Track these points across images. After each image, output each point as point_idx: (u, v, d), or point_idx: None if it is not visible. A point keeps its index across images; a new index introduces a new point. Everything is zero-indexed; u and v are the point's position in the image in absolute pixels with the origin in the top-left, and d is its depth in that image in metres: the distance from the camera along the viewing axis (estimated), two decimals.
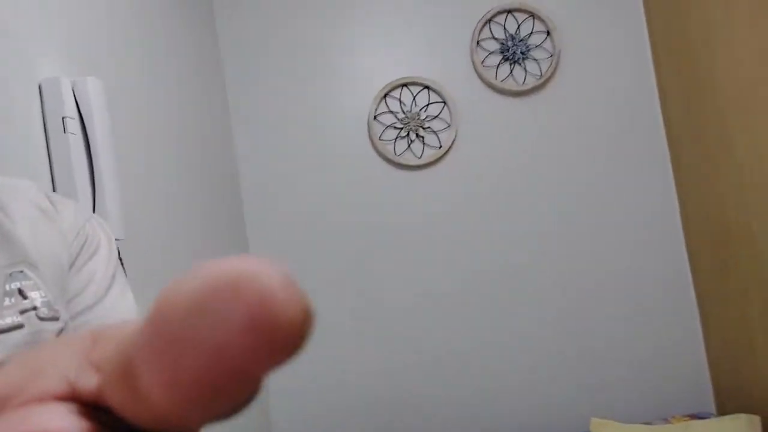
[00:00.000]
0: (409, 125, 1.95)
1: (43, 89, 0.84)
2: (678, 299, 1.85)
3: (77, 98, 0.86)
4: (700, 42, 1.64)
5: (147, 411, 0.12)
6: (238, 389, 0.12)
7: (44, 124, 0.84)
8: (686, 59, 1.72)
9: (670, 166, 1.88)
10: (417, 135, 1.95)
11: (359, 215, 1.96)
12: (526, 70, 1.92)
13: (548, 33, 1.90)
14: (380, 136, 1.95)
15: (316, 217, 1.96)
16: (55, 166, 0.83)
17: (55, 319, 0.43)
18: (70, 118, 0.84)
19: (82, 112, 0.86)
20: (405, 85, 1.96)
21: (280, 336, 0.11)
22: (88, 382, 0.13)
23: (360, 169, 1.96)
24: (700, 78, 1.67)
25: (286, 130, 1.99)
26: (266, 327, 0.11)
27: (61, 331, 0.43)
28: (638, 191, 1.88)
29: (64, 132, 0.83)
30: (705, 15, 1.61)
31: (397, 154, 1.95)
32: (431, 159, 1.93)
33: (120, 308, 0.49)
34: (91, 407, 0.13)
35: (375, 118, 1.96)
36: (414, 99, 1.96)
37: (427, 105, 1.95)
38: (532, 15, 1.92)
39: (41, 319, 0.42)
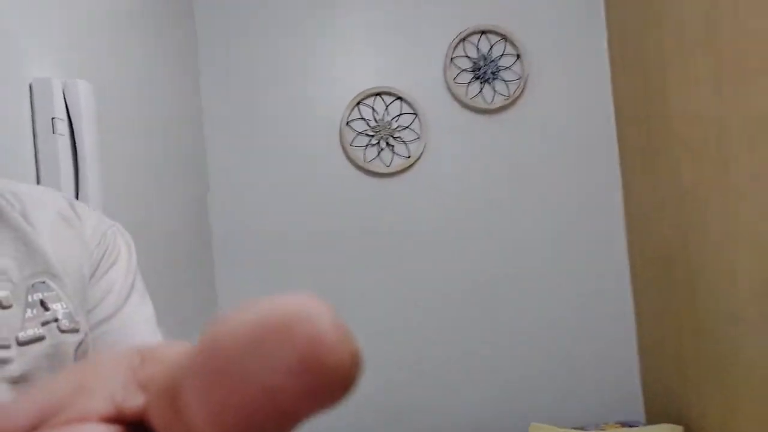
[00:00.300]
0: (380, 133, 2.01)
1: (34, 89, 0.85)
2: (617, 314, 1.98)
3: (67, 100, 0.87)
4: (655, 76, 1.77)
5: None
6: (281, 428, 0.12)
7: (33, 124, 0.85)
8: (642, 94, 1.85)
9: (621, 190, 2.01)
10: (387, 144, 2.01)
11: (325, 218, 2.01)
12: (494, 90, 2.01)
13: (518, 57, 2.00)
14: (351, 142, 2.00)
15: (283, 216, 2.00)
16: (41, 166, 0.84)
17: (76, 331, 0.43)
18: (60, 119, 0.86)
19: (71, 114, 0.87)
20: (379, 94, 2.02)
21: (329, 380, 0.12)
22: (134, 401, 0.14)
23: (329, 173, 2.01)
24: (653, 109, 1.80)
25: (258, 129, 2.01)
26: (316, 371, 0.11)
27: (81, 343, 0.44)
28: (590, 212, 2.00)
29: (53, 133, 0.85)
30: (660, 50, 1.73)
31: (367, 160, 2.00)
32: (399, 168, 2.00)
33: (138, 318, 0.49)
34: (133, 430, 0.14)
35: (347, 123, 2.00)
36: (387, 108, 2.02)
37: (399, 115, 2.02)
38: (505, 38, 2.00)
39: (62, 331, 0.42)
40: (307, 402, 0.12)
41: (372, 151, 2.01)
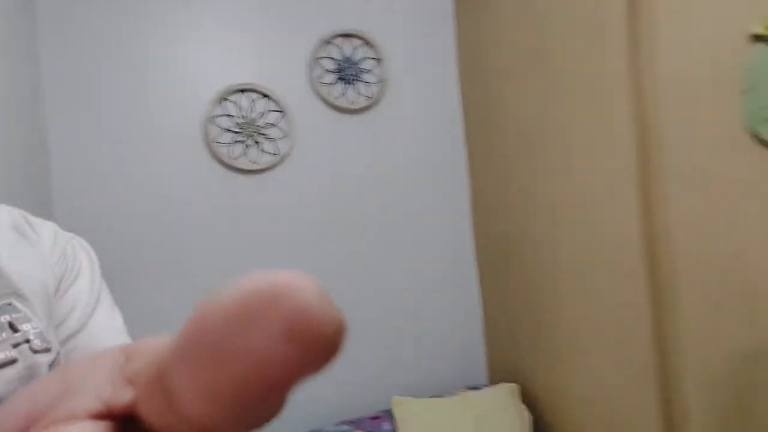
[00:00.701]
0: (246, 130, 2.03)
1: None
2: (465, 296, 2.26)
3: None
4: (494, 89, 2.03)
5: (182, 422, 0.12)
6: (271, 398, 0.12)
7: None
8: (484, 103, 2.11)
9: (468, 183, 2.27)
10: (254, 141, 2.04)
11: (188, 216, 1.98)
12: (357, 91, 2.14)
13: (378, 61, 2.15)
14: (216, 139, 2.00)
15: (139, 216, 1.93)
16: None
17: (48, 350, 0.42)
18: None
19: None
20: (244, 90, 2.03)
21: (317, 346, 0.12)
22: (122, 396, 0.14)
23: (192, 168, 1.98)
24: (493, 117, 2.06)
25: (112, 125, 1.91)
26: (305, 337, 0.12)
27: (53, 362, 0.42)
28: (441, 201, 2.24)
29: None
30: (498, 66, 1.99)
31: (233, 157, 2.01)
32: (266, 165, 2.04)
33: (107, 331, 0.48)
34: (123, 426, 0.14)
35: (212, 119, 1.99)
36: (253, 105, 2.04)
37: (266, 113, 2.05)
38: (366, 43, 2.14)
39: (35, 351, 0.41)
40: (296, 370, 0.12)
41: (238, 148, 2.03)
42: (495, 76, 2.02)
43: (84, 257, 0.51)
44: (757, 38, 1.15)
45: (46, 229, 0.49)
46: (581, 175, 1.63)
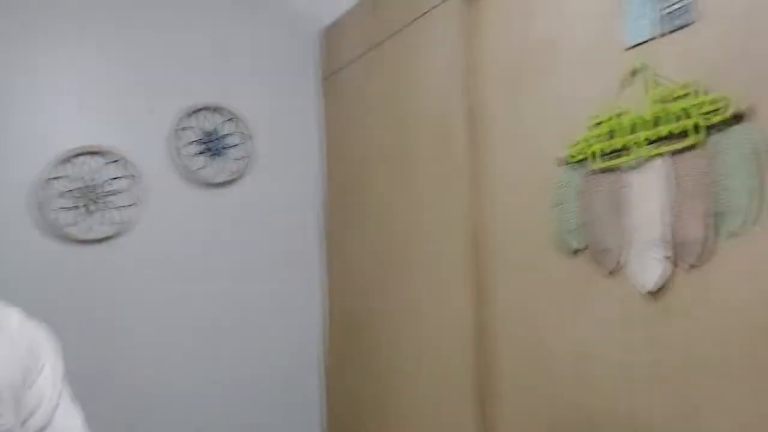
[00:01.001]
0: (88, 196, 1.87)
1: None
2: (306, 385, 2.09)
3: None
4: (352, 173, 1.98)
5: None
6: None
7: None
8: (343, 186, 2.04)
9: (324, 265, 2.13)
10: (94, 209, 1.87)
11: (14, 286, 1.77)
12: (221, 166, 2.04)
13: (244, 137, 2.06)
14: (50, 204, 1.82)
15: None
16: None
17: None
18: None
19: None
20: (93, 153, 1.89)
21: None
22: None
23: (15, 236, 1.79)
24: (350, 200, 1.99)
25: None
26: None
27: None
28: (296, 282, 2.09)
29: None
30: (357, 152, 1.96)
31: (64, 225, 1.83)
32: (104, 235, 1.87)
33: (69, 429, 0.50)
34: None
35: (48, 182, 1.82)
36: (101, 170, 1.89)
37: (114, 179, 1.91)
38: (234, 119, 2.06)
39: None
40: None
41: (72, 215, 1.84)
42: (357, 160, 1.98)
43: (50, 351, 0.53)
44: (563, 162, 1.17)
45: (14, 315, 0.52)
46: (425, 261, 1.62)
